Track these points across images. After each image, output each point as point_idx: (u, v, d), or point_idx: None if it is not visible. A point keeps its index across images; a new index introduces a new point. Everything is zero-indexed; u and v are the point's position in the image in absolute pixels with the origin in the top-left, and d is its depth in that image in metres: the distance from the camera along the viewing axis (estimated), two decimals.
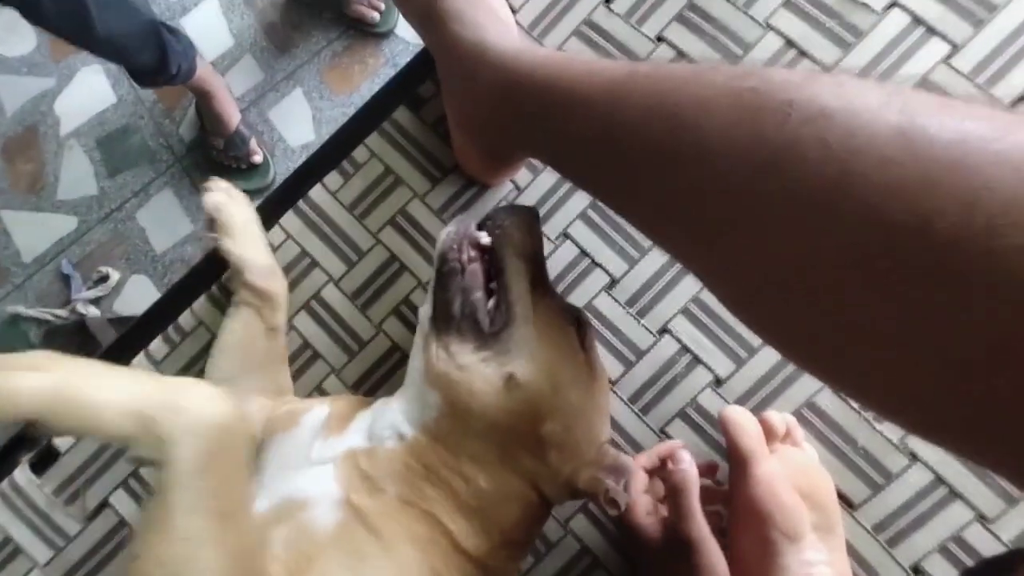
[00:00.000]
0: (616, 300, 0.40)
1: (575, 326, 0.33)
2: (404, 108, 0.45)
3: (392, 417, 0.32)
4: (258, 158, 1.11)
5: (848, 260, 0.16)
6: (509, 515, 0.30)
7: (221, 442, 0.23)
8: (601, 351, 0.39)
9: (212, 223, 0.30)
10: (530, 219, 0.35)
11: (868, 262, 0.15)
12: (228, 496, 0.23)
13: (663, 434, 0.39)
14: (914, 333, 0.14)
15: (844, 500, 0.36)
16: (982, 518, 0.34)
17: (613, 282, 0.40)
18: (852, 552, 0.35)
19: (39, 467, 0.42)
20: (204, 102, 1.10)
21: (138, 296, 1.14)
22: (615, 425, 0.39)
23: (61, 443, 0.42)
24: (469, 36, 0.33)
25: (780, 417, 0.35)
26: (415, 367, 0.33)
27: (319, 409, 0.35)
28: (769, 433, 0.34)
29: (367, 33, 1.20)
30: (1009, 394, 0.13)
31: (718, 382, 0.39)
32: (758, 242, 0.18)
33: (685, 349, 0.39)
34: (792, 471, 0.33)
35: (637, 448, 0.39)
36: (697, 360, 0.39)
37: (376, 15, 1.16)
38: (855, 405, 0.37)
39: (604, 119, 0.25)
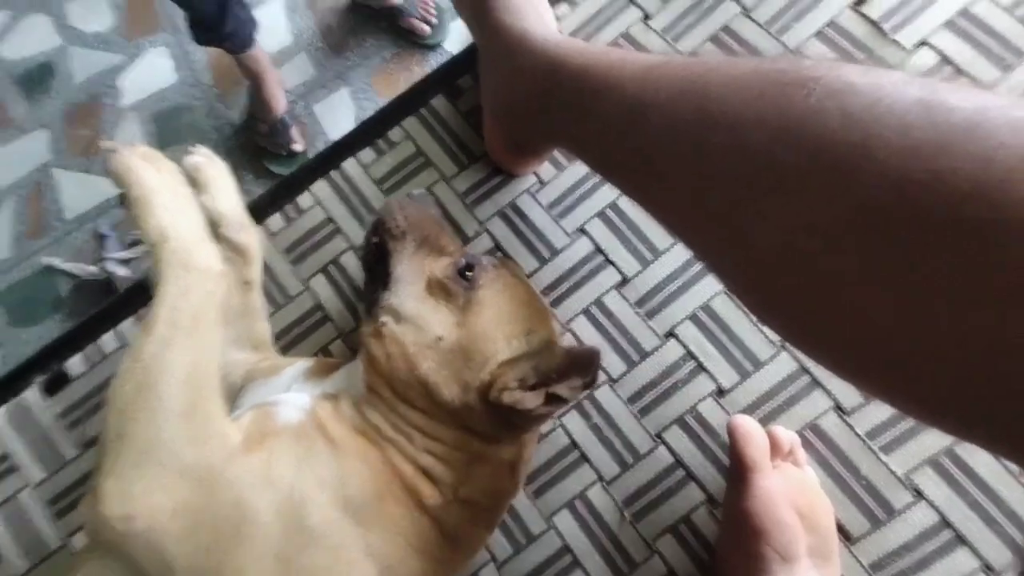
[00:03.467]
0: (625, 299, 0.40)
1: (459, 273, 0.33)
2: (442, 97, 0.47)
3: (351, 376, 0.34)
4: (298, 147, 1.16)
5: (866, 219, 0.16)
6: (457, 469, 0.30)
7: (204, 285, 0.30)
8: (605, 349, 0.40)
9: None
10: (399, 206, 0.36)
11: (885, 218, 0.15)
12: (197, 321, 0.29)
13: (659, 439, 0.38)
14: (926, 284, 0.15)
15: (842, 532, 0.34)
16: (988, 569, 0.32)
17: (624, 281, 0.41)
18: None
19: (51, 388, 0.43)
20: (255, 85, 1.16)
21: None
22: (611, 423, 0.38)
23: (73, 369, 0.43)
24: (514, 24, 0.35)
25: (787, 434, 0.34)
26: None
27: (301, 363, 0.37)
28: (774, 448, 0.33)
29: (416, 44, 1.26)
30: (1015, 336, 0.13)
31: (720, 392, 0.38)
32: (779, 209, 0.19)
33: (690, 355, 0.39)
34: (792, 490, 0.32)
35: (632, 451, 0.38)
36: (701, 368, 0.38)
37: (428, 29, 1.23)
38: (860, 431, 0.35)
39: (635, 99, 0.26)
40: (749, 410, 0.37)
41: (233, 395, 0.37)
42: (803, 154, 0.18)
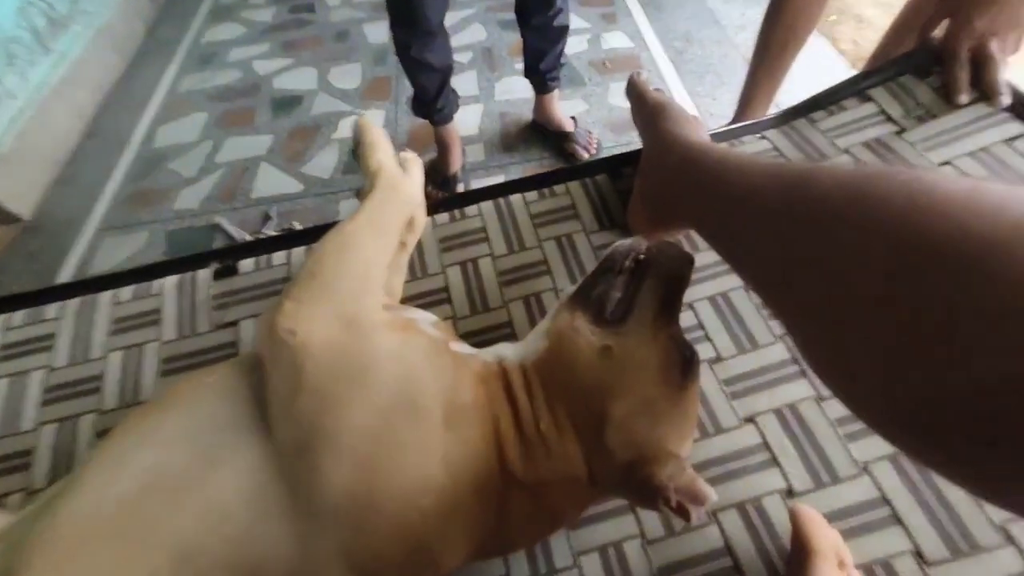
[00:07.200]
0: (715, 374, 0.43)
1: (683, 358, 0.34)
2: (606, 175, 0.57)
3: (501, 349, 0.38)
4: None
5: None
6: (552, 471, 0.31)
7: (400, 204, 0.41)
8: None
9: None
10: (684, 261, 0.39)
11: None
12: (387, 227, 0.39)
13: (710, 516, 0.37)
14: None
15: None
16: None
17: (718, 358, 0.43)
18: None
19: (220, 275, 0.53)
20: (440, 149, 1.48)
21: None
22: None
23: (243, 268, 0.54)
24: (672, 129, 0.45)
25: (846, 548, 0.32)
26: (540, 324, 0.38)
27: (431, 315, 0.42)
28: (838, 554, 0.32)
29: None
30: None
31: (790, 493, 0.37)
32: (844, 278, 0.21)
33: (766, 447, 0.39)
34: None
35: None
36: (775, 462, 0.38)
37: (587, 156, 1.47)
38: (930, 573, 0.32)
39: (748, 187, 0.30)
40: None
41: None
42: (865, 224, 0.21)
